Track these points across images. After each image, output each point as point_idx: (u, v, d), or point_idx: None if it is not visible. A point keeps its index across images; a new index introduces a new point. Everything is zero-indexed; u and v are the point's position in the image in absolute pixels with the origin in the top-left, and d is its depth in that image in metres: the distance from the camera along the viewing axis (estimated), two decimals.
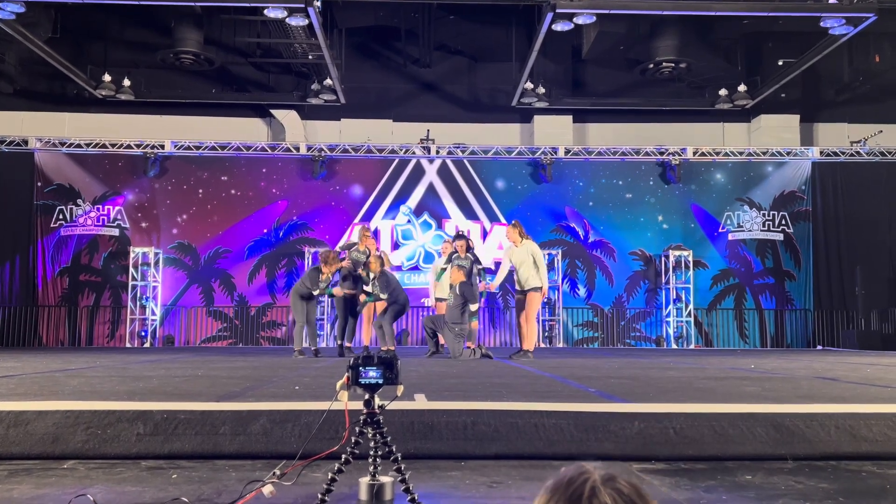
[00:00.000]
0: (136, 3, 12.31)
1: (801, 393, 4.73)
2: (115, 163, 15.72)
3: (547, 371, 6.76)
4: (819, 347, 15.26)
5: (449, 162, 16.00)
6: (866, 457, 3.24)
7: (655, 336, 15.73)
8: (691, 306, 15.43)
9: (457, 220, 15.81)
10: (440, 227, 15.70)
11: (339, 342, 10.04)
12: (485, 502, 2.51)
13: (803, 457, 3.23)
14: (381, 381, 2.38)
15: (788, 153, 16.07)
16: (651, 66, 14.54)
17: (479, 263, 10.09)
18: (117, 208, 15.64)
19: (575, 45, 15.65)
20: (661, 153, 15.96)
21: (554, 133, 16.13)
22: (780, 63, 15.06)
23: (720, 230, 16.05)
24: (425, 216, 15.90)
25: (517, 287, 9.34)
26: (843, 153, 16.07)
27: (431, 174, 16.02)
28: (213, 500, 2.49)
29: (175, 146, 15.60)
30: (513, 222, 9.55)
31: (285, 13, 12.13)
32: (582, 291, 15.80)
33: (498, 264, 15.82)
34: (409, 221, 15.90)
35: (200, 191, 15.78)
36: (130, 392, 4.42)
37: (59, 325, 15.25)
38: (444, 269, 10.35)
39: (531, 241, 9.31)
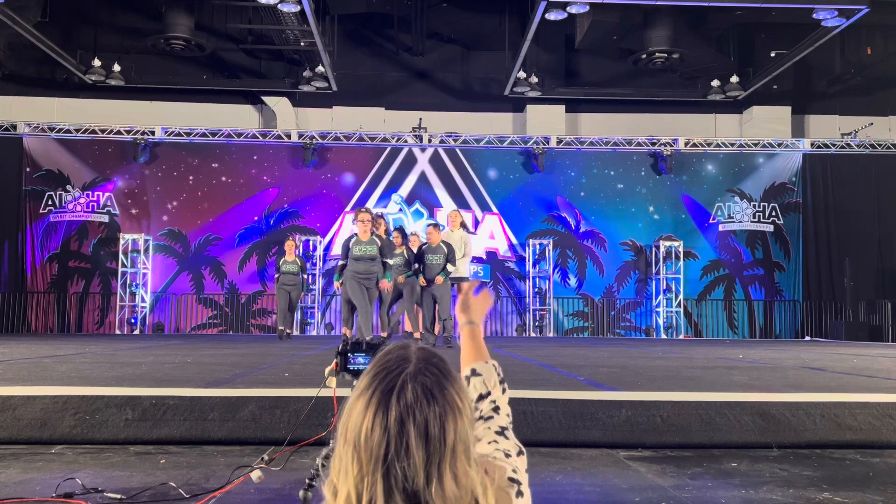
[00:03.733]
0: None
1: (787, 382, 4.76)
2: (105, 149, 15.61)
3: (536, 359, 6.78)
4: (807, 338, 15.35)
5: (441, 151, 15.97)
6: (850, 445, 3.28)
7: (645, 326, 15.79)
8: (681, 297, 15.49)
9: (448, 209, 15.74)
10: (432, 215, 15.67)
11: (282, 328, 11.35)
12: None
13: (788, 445, 3.27)
14: None
15: (779, 145, 16.11)
16: (644, 56, 14.52)
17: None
18: (107, 194, 15.54)
19: (568, 34, 15.61)
20: (653, 144, 15.97)
21: (546, 123, 16.10)
22: (773, 54, 15.09)
23: (711, 221, 16.10)
24: (417, 205, 15.88)
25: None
26: (834, 145, 16.12)
27: (423, 163, 15.99)
28: (202, 485, 2.49)
29: (165, 132, 15.50)
30: (455, 209, 9.71)
31: None
32: (573, 281, 15.84)
33: (491, 253, 15.92)
34: (400, 210, 15.87)
35: (191, 177, 15.70)
36: (119, 378, 4.42)
37: (47, 311, 15.18)
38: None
39: (465, 232, 9.52)
